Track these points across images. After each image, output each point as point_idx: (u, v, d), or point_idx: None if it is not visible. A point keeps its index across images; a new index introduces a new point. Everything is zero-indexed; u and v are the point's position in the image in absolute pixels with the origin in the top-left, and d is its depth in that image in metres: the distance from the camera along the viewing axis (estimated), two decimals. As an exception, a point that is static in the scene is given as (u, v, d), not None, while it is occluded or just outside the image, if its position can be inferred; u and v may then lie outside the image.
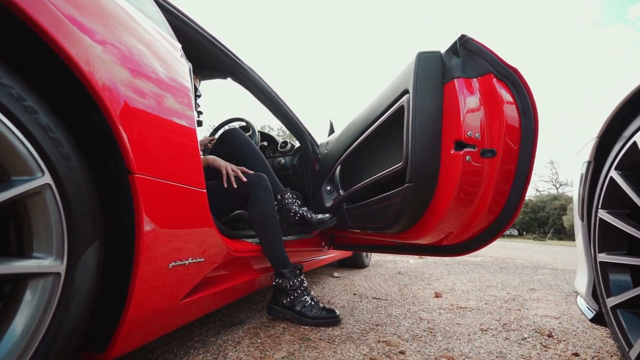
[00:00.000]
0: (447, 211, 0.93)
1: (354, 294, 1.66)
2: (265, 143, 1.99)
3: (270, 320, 1.19)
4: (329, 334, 1.04)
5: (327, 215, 1.30)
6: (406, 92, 0.97)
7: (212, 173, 1.24)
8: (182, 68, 0.83)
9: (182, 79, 0.80)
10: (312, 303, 1.16)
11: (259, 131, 1.94)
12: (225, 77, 1.58)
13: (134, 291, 0.61)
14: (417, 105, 0.92)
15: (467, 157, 0.86)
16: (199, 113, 1.91)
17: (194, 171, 0.76)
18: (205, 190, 0.81)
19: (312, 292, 1.21)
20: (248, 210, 1.19)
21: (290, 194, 1.30)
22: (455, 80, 0.90)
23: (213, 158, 1.21)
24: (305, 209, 1.30)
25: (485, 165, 0.87)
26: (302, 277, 1.18)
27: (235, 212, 1.42)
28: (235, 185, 1.16)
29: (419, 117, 0.92)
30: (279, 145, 1.93)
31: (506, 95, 0.86)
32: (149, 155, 0.63)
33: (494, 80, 0.87)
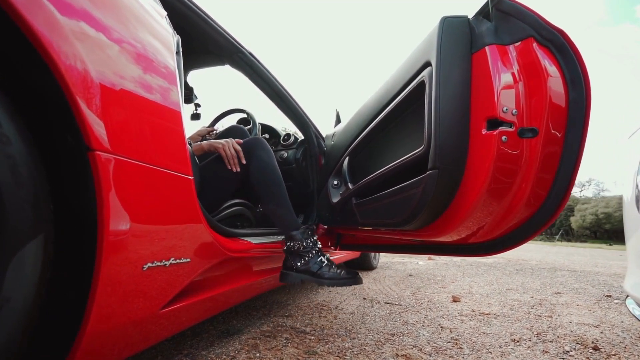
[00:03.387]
0: (476, 203, 0.79)
1: (364, 299, 1.52)
2: (266, 136, 1.86)
3: (271, 330, 1.05)
4: (338, 346, 0.91)
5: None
6: (427, 64, 0.84)
7: (207, 166, 1.12)
8: (166, 36, 0.71)
9: (164, 48, 0.68)
10: (329, 263, 1.05)
11: (260, 123, 1.82)
12: (223, 64, 1.46)
13: (95, 299, 0.48)
14: (441, 79, 0.79)
15: (503, 138, 0.73)
16: (197, 106, 1.79)
17: (176, 153, 0.63)
18: (192, 177, 0.68)
19: (328, 254, 1.10)
20: (249, 177, 1.08)
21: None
22: (486, 48, 0.76)
23: (208, 142, 1.09)
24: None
25: (524, 148, 0.73)
26: (315, 237, 1.09)
27: (234, 209, 1.29)
28: (238, 169, 1.05)
29: (444, 93, 0.78)
30: (281, 138, 1.80)
31: (550, 63, 0.72)
32: (115, 129, 0.50)
33: (535, 45, 0.73)
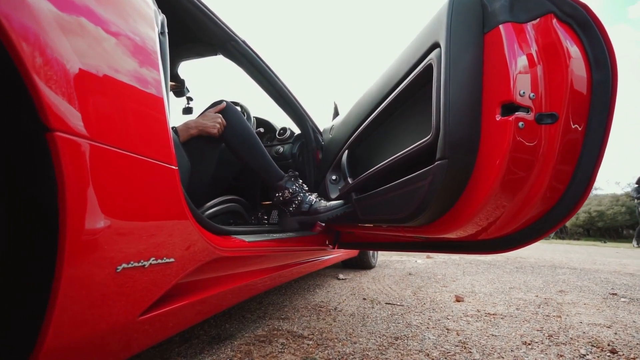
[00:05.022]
0: (489, 197, 0.73)
1: (364, 299, 1.46)
2: (261, 130, 1.79)
3: (266, 334, 0.98)
4: (338, 352, 0.84)
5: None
6: (436, 45, 0.77)
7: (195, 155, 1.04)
8: (147, 10, 0.63)
9: (145, 22, 0.60)
10: (318, 200, 1.12)
11: (254, 117, 1.75)
12: (216, 53, 1.38)
13: (56, 307, 0.41)
14: (451, 61, 0.72)
15: (520, 124, 0.66)
16: (189, 99, 1.71)
17: (156, 138, 0.56)
18: (176, 167, 0.61)
19: (316, 193, 1.17)
20: (226, 142, 1.10)
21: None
22: (500, 26, 0.70)
23: (195, 124, 1.02)
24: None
25: (543, 135, 0.67)
26: (300, 181, 1.16)
27: (227, 206, 1.22)
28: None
29: (454, 76, 0.72)
30: (277, 132, 1.73)
31: (572, 42, 0.66)
32: (80, 108, 0.43)
33: (555, 22, 0.66)
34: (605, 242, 12.60)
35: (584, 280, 2.17)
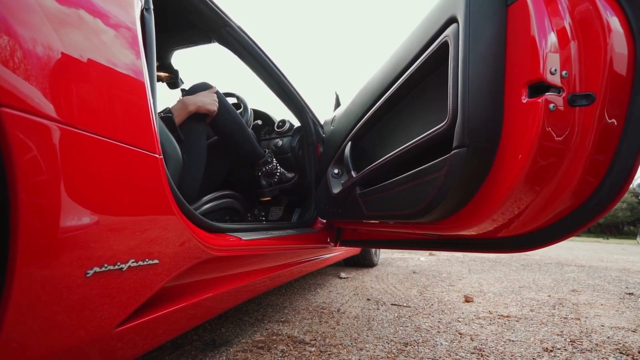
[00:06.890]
0: (513, 189, 0.65)
1: (368, 300, 1.39)
2: (259, 122, 1.71)
3: (265, 339, 0.91)
4: (344, 360, 0.77)
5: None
6: (452, 21, 0.69)
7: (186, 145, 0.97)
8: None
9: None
10: (284, 170, 1.39)
11: (252, 108, 1.67)
12: (210, 41, 1.30)
13: (6, 319, 0.33)
14: (470, 37, 0.64)
15: (551, 106, 0.58)
16: (184, 91, 1.63)
17: (135, 122, 0.48)
18: (160, 157, 0.53)
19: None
20: (219, 125, 1.14)
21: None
22: (527, -4, 0.62)
23: (194, 102, 1.01)
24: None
25: (576, 120, 0.59)
26: (273, 156, 1.38)
27: (223, 202, 1.15)
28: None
29: (474, 53, 0.64)
30: (275, 125, 1.65)
31: (612, 11, 0.58)
32: (39, 83, 0.35)
33: (592, -11, 0.58)
34: (607, 238, 12.55)
35: (595, 279, 2.10)
